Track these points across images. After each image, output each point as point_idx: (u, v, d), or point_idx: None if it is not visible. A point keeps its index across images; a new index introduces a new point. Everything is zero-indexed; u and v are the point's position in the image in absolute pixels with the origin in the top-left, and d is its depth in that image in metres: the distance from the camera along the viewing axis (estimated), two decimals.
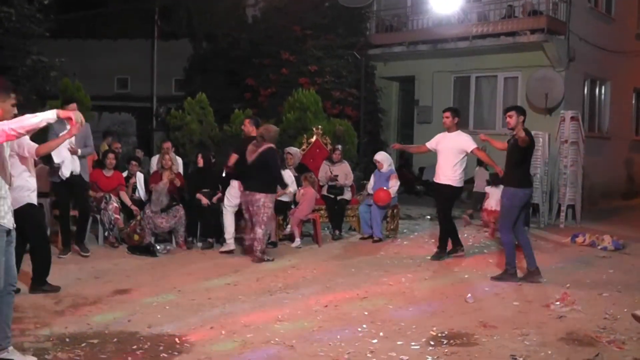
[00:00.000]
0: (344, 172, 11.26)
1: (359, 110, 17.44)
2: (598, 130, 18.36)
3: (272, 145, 9.00)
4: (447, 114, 9.41)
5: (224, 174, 9.94)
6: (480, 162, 12.97)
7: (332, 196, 11.11)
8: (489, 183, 12.56)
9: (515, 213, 7.92)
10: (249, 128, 9.59)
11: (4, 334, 4.87)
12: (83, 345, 5.29)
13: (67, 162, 8.74)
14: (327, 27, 17.56)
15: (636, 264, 9.32)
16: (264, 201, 8.85)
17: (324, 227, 11.21)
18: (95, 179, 9.98)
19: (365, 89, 17.79)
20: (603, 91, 18.59)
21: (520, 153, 7.87)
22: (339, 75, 17.25)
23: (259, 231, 8.92)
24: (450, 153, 9.19)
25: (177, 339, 5.51)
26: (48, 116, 4.55)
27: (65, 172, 8.74)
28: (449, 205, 9.46)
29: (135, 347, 5.29)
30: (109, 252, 9.51)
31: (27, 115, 4.53)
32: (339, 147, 11.83)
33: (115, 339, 5.46)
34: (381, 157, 11.08)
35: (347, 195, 11.29)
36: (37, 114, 4.59)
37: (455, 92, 18.16)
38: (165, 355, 5.15)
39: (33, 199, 6.35)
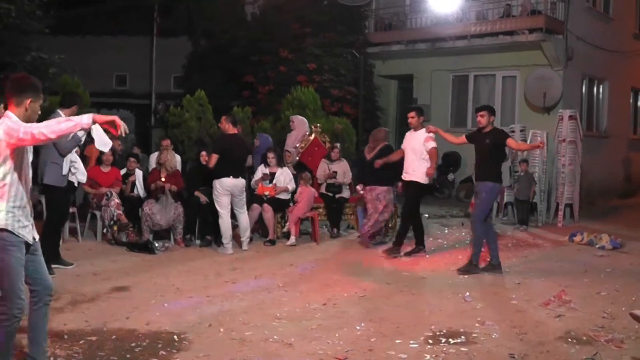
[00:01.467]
0: (342, 170, 11.26)
1: (358, 108, 17.44)
2: (596, 129, 18.39)
3: (387, 143, 10.08)
4: (412, 113, 9.59)
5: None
6: None
7: (331, 194, 11.12)
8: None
9: (490, 206, 8.56)
10: (225, 125, 9.62)
11: (41, 349, 4.50)
12: (81, 342, 5.29)
13: (81, 167, 8.59)
14: (325, 25, 17.54)
15: (634, 263, 9.34)
16: (384, 194, 9.78)
17: (322, 225, 11.22)
18: (94, 175, 9.97)
19: (363, 87, 17.78)
20: (601, 90, 18.62)
21: (500, 150, 8.48)
22: (337, 73, 17.25)
23: (374, 219, 9.81)
24: (416, 151, 9.35)
25: (175, 337, 5.51)
26: (84, 121, 4.16)
27: (81, 178, 8.60)
28: (415, 202, 9.57)
29: (133, 344, 5.28)
30: (107, 249, 9.50)
31: (60, 119, 4.27)
32: (338, 145, 11.84)
33: (113, 336, 5.46)
34: None
35: (346, 193, 11.30)
36: (72, 117, 4.26)
37: (454, 90, 18.19)
38: (164, 352, 5.15)
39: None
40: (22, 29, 14.52)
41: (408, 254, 9.50)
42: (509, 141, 8.41)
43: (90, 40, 23.13)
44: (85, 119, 4.16)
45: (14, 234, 4.13)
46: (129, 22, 22.93)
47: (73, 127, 4.14)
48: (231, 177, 9.29)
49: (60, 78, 15.11)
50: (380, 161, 9.61)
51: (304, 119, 12.42)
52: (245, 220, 9.72)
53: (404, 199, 9.81)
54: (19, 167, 4.20)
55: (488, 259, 8.48)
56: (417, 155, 9.32)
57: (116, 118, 4.29)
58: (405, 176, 9.47)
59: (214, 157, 9.25)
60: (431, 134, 9.28)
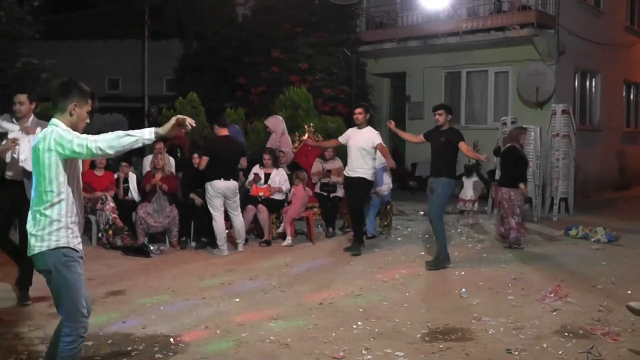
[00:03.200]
0: (336, 170, 11.24)
1: (351, 107, 17.42)
2: (589, 122, 18.44)
3: (514, 144, 10.12)
4: (360, 110, 9.70)
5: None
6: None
7: (325, 194, 11.10)
8: (462, 174, 12.80)
9: (447, 202, 8.90)
10: (214, 127, 9.72)
11: None
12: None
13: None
14: (317, 24, 17.54)
15: (629, 256, 9.36)
16: (512, 195, 9.87)
17: (317, 224, 11.21)
18: (88, 179, 9.94)
19: (356, 85, 17.78)
20: (594, 84, 18.67)
21: (455, 148, 8.62)
22: (329, 73, 17.24)
23: (512, 221, 9.86)
24: (361, 148, 9.42)
25: (171, 340, 5.50)
26: (145, 137, 3.90)
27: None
28: (360, 199, 9.64)
29: (130, 348, 5.28)
30: (102, 253, 9.46)
31: (120, 133, 3.91)
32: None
33: (109, 341, 5.44)
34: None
35: (340, 192, 11.27)
36: (132, 132, 3.93)
37: (446, 87, 18.21)
38: (160, 356, 5.14)
39: None
40: (12, 34, 14.46)
41: (347, 249, 9.60)
42: (461, 144, 8.56)
43: (82, 44, 23.06)
44: (147, 134, 3.92)
45: (75, 249, 3.98)
46: (120, 25, 22.88)
47: (134, 143, 3.91)
48: (222, 179, 9.25)
49: (52, 83, 14.99)
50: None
51: (276, 116, 12.29)
52: (240, 222, 9.69)
53: (348, 194, 9.84)
54: (72, 180, 4.00)
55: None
56: (362, 152, 9.40)
57: (178, 118, 4.05)
58: (350, 173, 9.54)
59: (205, 160, 9.23)
60: (378, 133, 9.51)
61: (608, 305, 6.54)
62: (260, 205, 10.17)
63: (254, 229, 10.72)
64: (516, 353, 5.18)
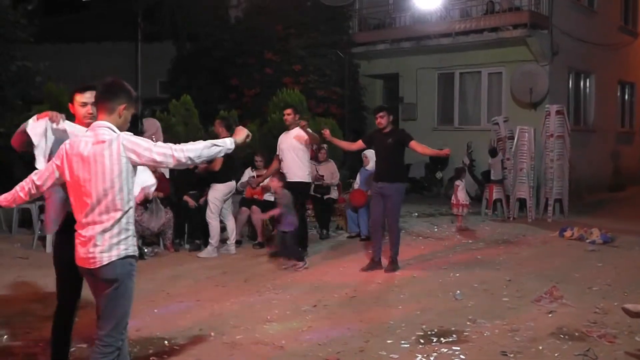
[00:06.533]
0: (330, 172, 11.23)
1: (344, 108, 17.42)
2: (584, 123, 18.47)
3: None
4: (289, 110, 9.49)
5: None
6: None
7: (319, 195, 11.08)
8: (456, 177, 12.67)
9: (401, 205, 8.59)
10: (219, 129, 9.54)
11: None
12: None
13: None
14: (309, 26, 17.53)
15: (625, 257, 9.35)
16: None
17: (311, 226, 11.17)
18: None
19: (349, 87, 17.79)
20: (588, 84, 18.70)
21: (402, 151, 8.50)
22: (322, 74, 17.24)
23: None
24: (296, 149, 9.21)
25: (166, 342, 5.47)
26: (227, 146, 3.94)
27: None
28: (303, 202, 9.46)
29: None
30: None
31: (206, 143, 3.90)
32: (325, 146, 11.77)
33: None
34: (371, 153, 11.02)
35: (334, 194, 11.27)
36: (217, 142, 3.93)
37: (440, 88, 18.22)
38: (155, 358, 5.12)
39: None
40: (7, 37, 14.43)
41: (275, 254, 9.36)
42: (412, 144, 8.34)
43: (75, 47, 23.01)
44: (229, 143, 3.95)
45: (137, 258, 3.92)
46: (113, 28, 22.85)
47: (218, 153, 3.96)
48: (233, 180, 9.29)
49: (46, 86, 15.00)
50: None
51: (153, 119, 11.96)
52: (234, 223, 9.69)
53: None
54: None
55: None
56: (296, 153, 9.16)
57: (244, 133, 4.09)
58: (289, 177, 9.10)
59: (220, 161, 9.10)
60: (302, 133, 9.14)
61: (604, 307, 6.52)
62: (254, 207, 10.14)
63: (247, 232, 10.69)
64: (512, 355, 5.15)
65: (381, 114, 8.42)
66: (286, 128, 9.47)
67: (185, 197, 10.00)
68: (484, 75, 17.40)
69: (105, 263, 3.72)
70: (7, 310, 6.57)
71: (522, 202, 13.39)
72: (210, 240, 9.39)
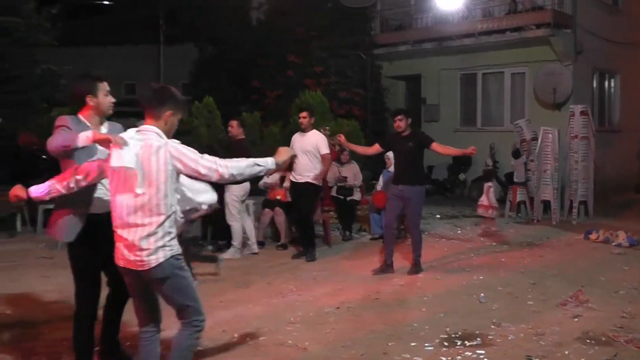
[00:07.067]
0: (352, 173, 11.20)
1: (366, 110, 17.40)
2: (608, 123, 18.26)
3: None
4: (305, 113, 9.43)
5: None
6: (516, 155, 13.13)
7: (342, 197, 11.07)
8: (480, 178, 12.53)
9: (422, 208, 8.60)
10: (237, 130, 9.59)
11: None
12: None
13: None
14: (331, 27, 17.52)
15: None
16: None
17: (333, 228, 11.16)
18: None
19: (371, 88, 17.75)
20: (612, 84, 18.50)
21: (422, 154, 8.44)
22: (344, 76, 17.24)
23: None
24: (308, 153, 9.19)
25: None
26: (268, 166, 4.07)
27: None
28: (310, 204, 9.43)
29: None
30: None
31: (249, 162, 3.99)
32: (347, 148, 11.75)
33: (127, 343, 5.38)
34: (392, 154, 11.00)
35: (357, 195, 11.24)
36: (259, 161, 4.03)
37: (462, 89, 18.12)
38: None
39: None
40: (31, 42, 14.62)
41: (296, 256, 9.45)
42: (434, 145, 8.28)
43: (98, 50, 23.27)
44: (270, 164, 4.07)
45: (181, 255, 4.00)
46: (135, 31, 23.07)
47: (259, 173, 4.09)
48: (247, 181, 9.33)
49: (70, 89, 15.11)
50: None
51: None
52: (251, 222, 9.75)
53: (296, 202, 9.54)
54: None
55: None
56: (309, 156, 9.16)
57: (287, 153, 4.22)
58: (298, 178, 9.27)
59: None
60: (324, 138, 9.18)
61: (631, 312, 6.42)
62: (277, 209, 10.15)
63: (270, 234, 10.70)
64: None
65: (399, 117, 8.36)
66: (302, 129, 9.44)
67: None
68: (506, 75, 17.28)
69: (153, 266, 3.84)
70: (32, 310, 6.65)
71: (546, 204, 13.24)
72: (232, 242, 9.40)
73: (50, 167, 5.09)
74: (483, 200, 12.02)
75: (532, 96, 16.38)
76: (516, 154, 13.79)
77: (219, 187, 9.53)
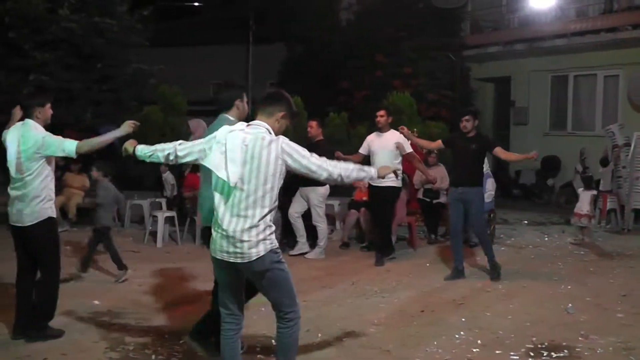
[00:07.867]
0: (439, 176, 11.10)
1: (454, 112, 17.23)
2: None
3: None
4: (382, 112, 9.23)
5: None
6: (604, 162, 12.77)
7: (428, 200, 11.02)
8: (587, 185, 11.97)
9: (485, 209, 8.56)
10: (317, 131, 9.53)
11: None
12: (181, 342, 5.43)
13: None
14: (421, 28, 17.45)
15: None
16: None
17: (419, 230, 11.13)
18: (194, 181, 10.23)
19: (460, 90, 17.58)
20: None
21: (484, 156, 8.36)
22: (433, 77, 17.15)
23: None
24: (387, 153, 8.96)
25: (272, 341, 5.52)
26: (371, 174, 4.33)
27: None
28: (391, 209, 9.25)
29: None
30: (205, 252, 9.65)
31: (356, 166, 4.24)
32: (435, 150, 11.67)
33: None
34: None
35: (443, 199, 11.15)
36: (365, 168, 4.32)
37: (553, 92, 17.73)
38: (262, 356, 5.30)
39: (54, 210, 5.52)
40: (124, 42, 15.15)
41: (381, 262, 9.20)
42: (497, 150, 8.12)
43: (188, 50, 23.83)
44: (373, 172, 4.32)
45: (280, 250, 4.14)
46: (224, 31, 23.50)
47: (363, 178, 4.37)
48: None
49: (159, 88, 15.65)
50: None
51: (198, 120, 11.73)
52: (325, 224, 9.73)
53: (377, 206, 9.34)
54: None
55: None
56: (388, 157, 8.88)
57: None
58: (378, 181, 8.99)
59: None
60: (403, 137, 8.92)
61: None
62: (363, 210, 10.20)
63: (355, 235, 10.77)
64: None
65: (467, 117, 8.18)
66: (378, 128, 9.31)
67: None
68: (599, 78, 16.79)
69: (254, 259, 3.94)
70: (120, 301, 6.91)
71: (637, 213, 12.79)
72: (318, 242, 9.50)
73: None
74: (582, 208, 11.23)
75: (626, 100, 15.87)
76: (604, 162, 13.35)
77: (287, 191, 9.65)
